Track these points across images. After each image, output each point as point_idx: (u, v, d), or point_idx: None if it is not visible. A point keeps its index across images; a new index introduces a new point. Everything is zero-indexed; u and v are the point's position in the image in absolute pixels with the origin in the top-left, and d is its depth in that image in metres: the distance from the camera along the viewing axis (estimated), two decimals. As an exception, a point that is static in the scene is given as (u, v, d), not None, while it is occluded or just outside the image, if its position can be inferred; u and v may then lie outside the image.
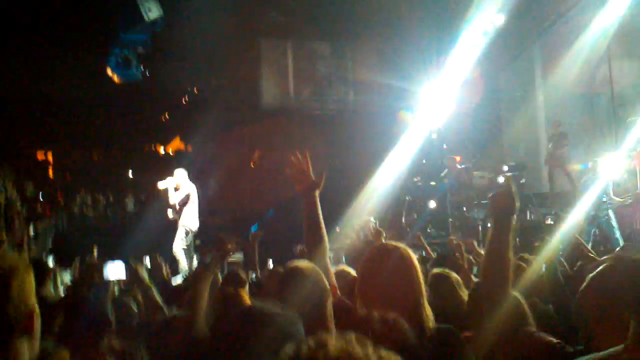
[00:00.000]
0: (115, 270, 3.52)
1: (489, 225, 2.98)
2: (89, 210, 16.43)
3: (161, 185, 9.25)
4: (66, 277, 8.39)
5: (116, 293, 3.23)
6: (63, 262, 11.70)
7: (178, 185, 9.28)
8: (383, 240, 4.92)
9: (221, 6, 15.70)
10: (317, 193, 2.90)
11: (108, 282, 3.45)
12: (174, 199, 9.22)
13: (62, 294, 4.15)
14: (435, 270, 4.41)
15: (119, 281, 3.47)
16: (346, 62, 19.59)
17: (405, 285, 2.45)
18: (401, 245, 2.66)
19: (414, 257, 2.58)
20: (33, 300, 1.56)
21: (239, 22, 17.84)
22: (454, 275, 4.30)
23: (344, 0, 16.05)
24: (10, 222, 14.59)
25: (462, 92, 15.59)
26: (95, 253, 12.35)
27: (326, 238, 2.93)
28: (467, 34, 14.48)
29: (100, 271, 3.48)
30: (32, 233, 14.87)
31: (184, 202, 9.31)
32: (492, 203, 2.56)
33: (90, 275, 3.45)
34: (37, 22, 17.04)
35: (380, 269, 2.49)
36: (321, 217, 2.89)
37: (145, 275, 3.29)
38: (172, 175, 9.60)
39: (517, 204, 2.50)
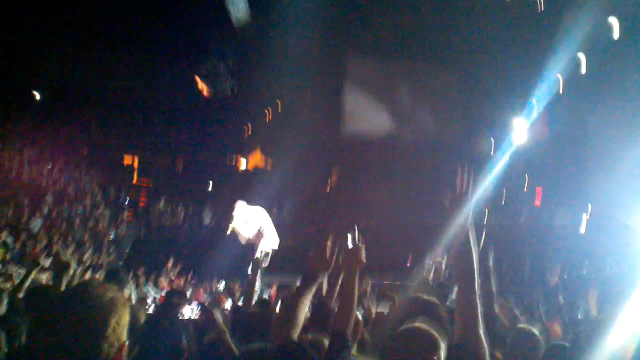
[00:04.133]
0: (190, 309, 3.56)
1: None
2: (168, 220, 16.80)
3: (234, 225, 9.22)
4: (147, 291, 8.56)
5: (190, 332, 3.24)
6: (137, 269, 12.12)
7: (247, 218, 9.24)
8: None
9: (310, 24, 15.90)
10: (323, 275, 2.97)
11: (186, 320, 3.49)
12: (248, 233, 9.21)
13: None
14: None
15: (193, 320, 3.49)
16: (431, 89, 19.34)
17: None
18: (428, 329, 2.55)
19: (439, 343, 2.47)
20: (125, 336, 1.50)
21: (326, 42, 18.00)
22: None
23: (435, 26, 15.91)
24: (94, 224, 15.20)
25: (547, 125, 15.29)
26: (171, 265, 12.75)
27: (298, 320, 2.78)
28: (558, 69, 14.18)
29: (179, 308, 3.53)
30: (112, 237, 15.42)
31: (259, 235, 9.30)
32: None
33: (170, 310, 3.50)
34: (132, 34, 17.79)
35: (402, 349, 2.44)
36: (308, 296, 2.81)
37: (220, 318, 3.30)
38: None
39: None
